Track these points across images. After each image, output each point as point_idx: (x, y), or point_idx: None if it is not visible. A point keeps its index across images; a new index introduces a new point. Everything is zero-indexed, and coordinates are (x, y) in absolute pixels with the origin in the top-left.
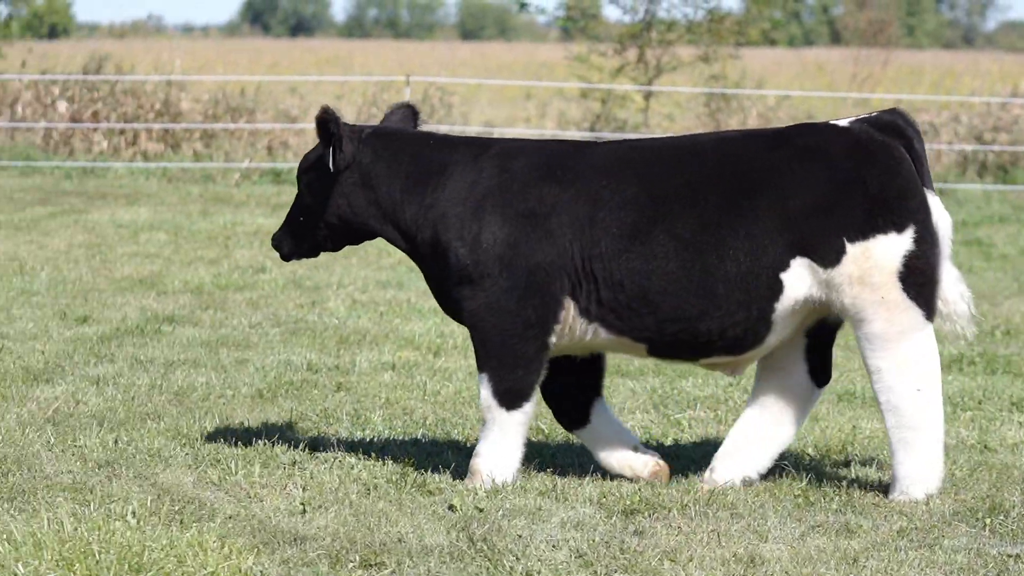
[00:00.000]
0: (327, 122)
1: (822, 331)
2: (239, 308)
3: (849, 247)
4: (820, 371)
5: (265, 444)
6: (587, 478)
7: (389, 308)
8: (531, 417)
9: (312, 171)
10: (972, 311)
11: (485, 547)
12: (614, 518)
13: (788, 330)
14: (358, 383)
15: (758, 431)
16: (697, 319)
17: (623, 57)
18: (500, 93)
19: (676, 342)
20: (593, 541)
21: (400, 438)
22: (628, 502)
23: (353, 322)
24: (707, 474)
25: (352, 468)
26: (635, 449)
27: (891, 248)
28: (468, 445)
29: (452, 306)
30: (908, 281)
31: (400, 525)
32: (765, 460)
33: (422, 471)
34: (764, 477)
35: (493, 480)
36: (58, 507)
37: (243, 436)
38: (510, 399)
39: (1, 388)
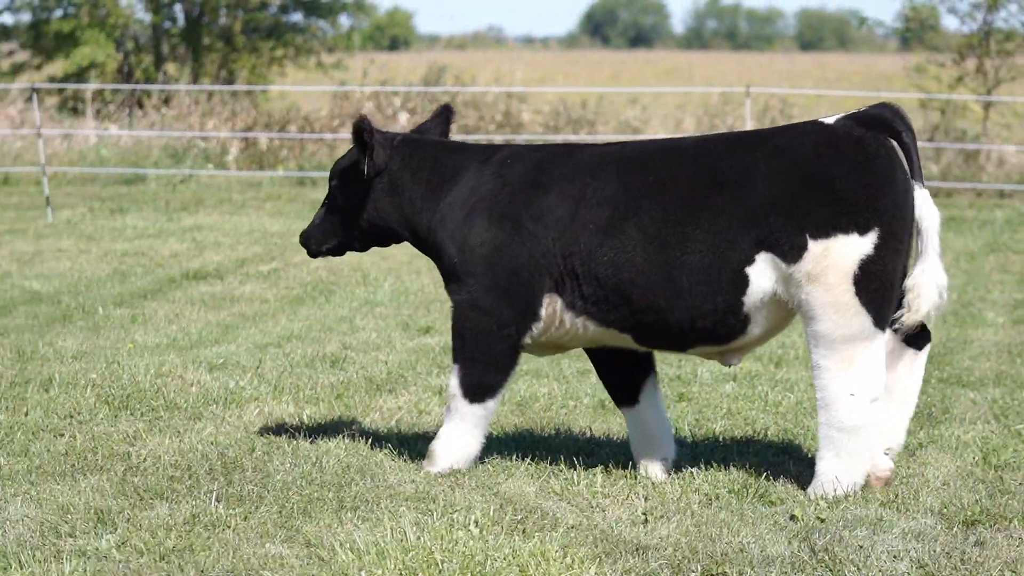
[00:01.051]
0: (362, 131)
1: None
2: None
3: (811, 244)
4: (916, 337)
5: (607, 454)
6: (927, 488)
7: None
8: (493, 413)
9: (346, 175)
10: (934, 312)
11: (827, 557)
12: (955, 529)
13: (772, 321)
14: (699, 393)
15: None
16: (665, 310)
17: (962, 67)
18: (839, 104)
19: (654, 332)
20: (934, 552)
21: (741, 448)
22: (969, 512)
23: None
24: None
25: (694, 478)
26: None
27: (850, 249)
28: (811, 456)
29: None
30: (861, 285)
31: (742, 535)
32: (899, 432)
33: (764, 481)
34: None
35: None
36: (401, 516)
37: (585, 446)
38: (475, 393)
39: (344, 398)
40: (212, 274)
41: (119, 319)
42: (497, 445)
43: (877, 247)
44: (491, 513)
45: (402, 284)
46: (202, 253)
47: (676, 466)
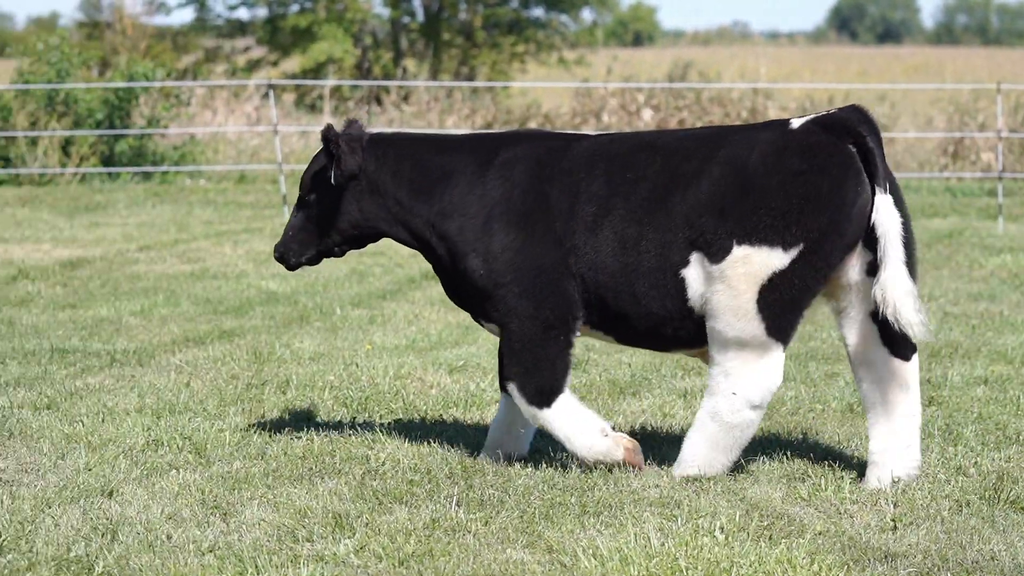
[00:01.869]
0: (328, 141)
1: (872, 311)
2: (828, 320)
3: (736, 248)
4: (900, 344)
5: (855, 459)
6: None
7: (981, 321)
8: (572, 394)
9: (322, 181)
10: (923, 322)
11: None
12: None
13: None
14: (950, 397)
15: (889, 433)
16: (632, 317)
17: None
18: None
19: (629, 337)
20: None
21: (992, 454)
22: None
23: (944, 335)
24: (873, 482)
25: (944, 484)
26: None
27: (769, 262)
28: None
29: (467, 302)
30: (764, 294)
31: (992, 543)
32: (912, 453)
33: (1016, 487)
34: None
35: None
36: (645, 522)
37: (832, 451)
38: (544, 398)
39: (587, 401)
40: None
41: (357, 320)
42: (742, 449)
43: (794, 262)
44: (737, 519)
45: None
46: None
47: (924, 472)
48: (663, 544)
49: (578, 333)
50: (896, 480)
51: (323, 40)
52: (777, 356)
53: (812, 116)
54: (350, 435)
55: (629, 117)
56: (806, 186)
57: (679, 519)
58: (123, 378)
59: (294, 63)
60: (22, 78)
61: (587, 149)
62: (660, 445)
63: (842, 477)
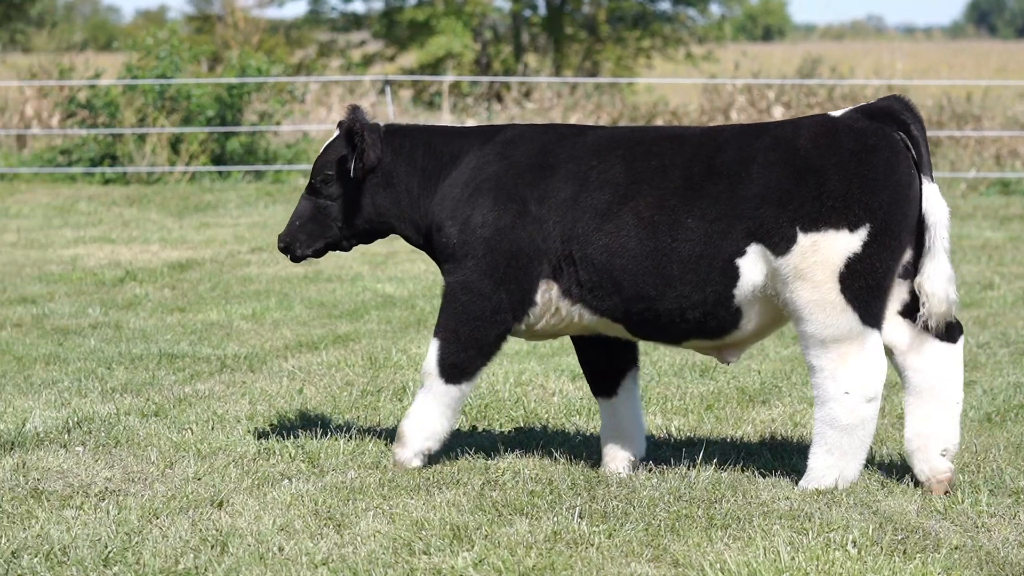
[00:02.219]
0: (353, 133)
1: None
2: (966, 327)
3: (801, 237)
4: (949, 330)
5: (992, 470)
6: None
7: None
8: (467, 395)
9: (336, 173)
10: (952, 309)
11: None
12: None
13: (766, 317)
14: None
15: (930, 421)
16: (655, 299)
17: None
18: None
19: (645, 323)
20: None
21: None
22: None
23: None
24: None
25: None
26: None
27: (838, 245)
28: None
29: (435, 262)
30: (847, 283)
31: None
32: (952, 430)
33: None
34: None
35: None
36: (774, 535)
37: (969, 462)
38: (452, 374)
39: (715, 409)
40: None
41: None
42: (876, 460)
43: (866, 244)
44: (870, 532)
45: None
46: None
47: None
48: (793, 558)
49: (524, 327)
50: (944, 452)
51: (441, 34)
52: (876, 342)
53: (856, 106)
54: (469, 444)
55: (759, 114)
56: (862, 165)
57: (810, 532)
58: (234, 384)
59: (411, 58)
60: (130, 73)
61: (600, 138)
62: (791, 455)
63: (979, 489)
